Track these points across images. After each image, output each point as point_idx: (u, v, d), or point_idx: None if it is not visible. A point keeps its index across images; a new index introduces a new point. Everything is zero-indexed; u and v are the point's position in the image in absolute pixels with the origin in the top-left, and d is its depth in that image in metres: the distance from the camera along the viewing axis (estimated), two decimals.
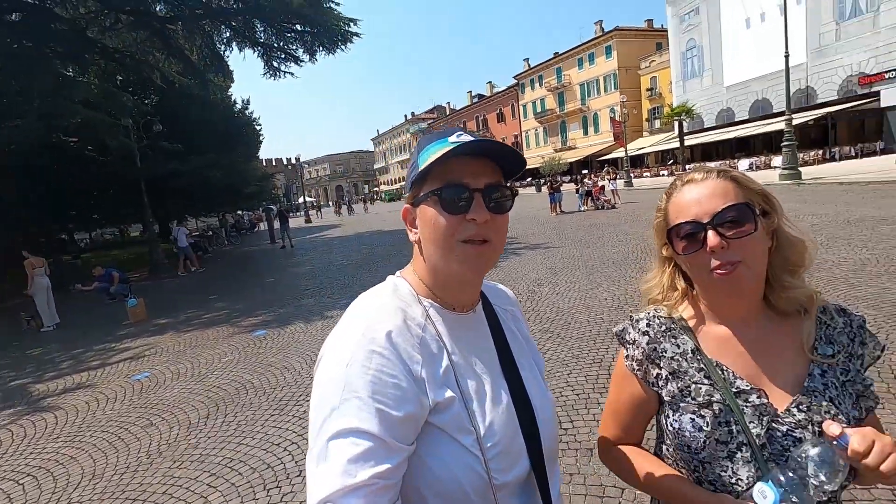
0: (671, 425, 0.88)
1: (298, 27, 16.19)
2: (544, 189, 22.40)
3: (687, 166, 31.32)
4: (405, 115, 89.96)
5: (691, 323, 0.92)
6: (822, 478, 0.67)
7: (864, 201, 11.24)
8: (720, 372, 0.85)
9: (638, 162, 41.75)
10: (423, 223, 0.76)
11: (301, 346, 5.71)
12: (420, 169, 0.75)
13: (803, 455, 0.70)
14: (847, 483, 0.73)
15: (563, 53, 51.68)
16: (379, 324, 0.71)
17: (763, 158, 28.62)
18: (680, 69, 38.56)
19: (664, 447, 0.94)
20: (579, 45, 49.35)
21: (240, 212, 41.84)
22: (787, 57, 18.03)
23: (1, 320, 10.37)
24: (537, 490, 0.79)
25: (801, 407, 0.80)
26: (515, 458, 0.75)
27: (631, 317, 0.99)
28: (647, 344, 0.93)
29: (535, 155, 55.10)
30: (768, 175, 22.09)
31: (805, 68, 28.29)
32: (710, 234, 0.81)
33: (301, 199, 57.36)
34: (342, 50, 16.82)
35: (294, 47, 17.32)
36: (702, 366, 0.87)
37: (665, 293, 0.96)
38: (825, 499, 0.70)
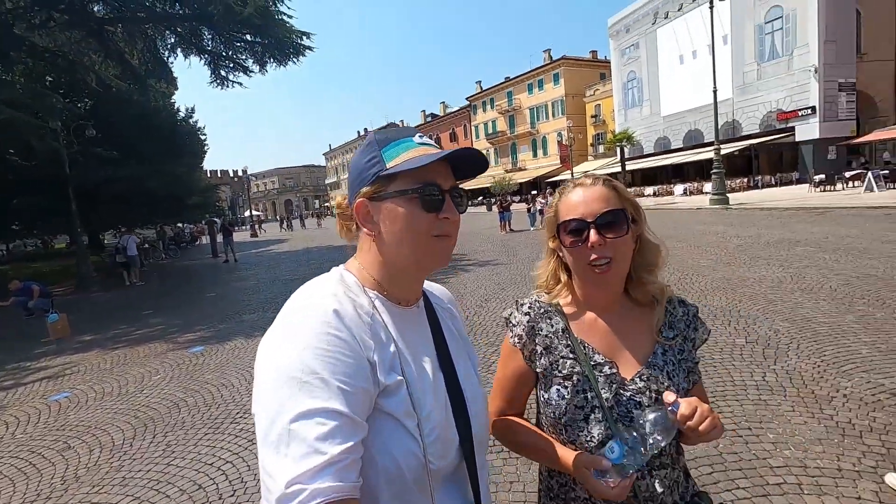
0: (542, 396, 1.04)
1: (248, 37, 15.84)
2: (495, 208, 22.87)
3: (628, 189, 32.94)
4: (358, 131, 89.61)
5: (566, 308, 1.07)
6: (658, 436, 0.83)
7: (782, 225, 12.30)
8: (583, 348, 1.01)
9: None
10: (392, 219, 0.77)
11: (241, 363, 5.48)
12: (398, 167, 0.76)
13: (644, 418, 0.86)
14: (675, 440, 0.91)
15: (514, 78, 53.55)
16: (331, 308, 0.71)
17: (696, 184, 30.67)
18: (621, 98, 40.92)
19: (541, 417, 1.07)
20: (529, 71, 51.34)
21: (180, 224, 39.78)
22: (714, 92, 19.61)
23: None
24: (468, 479, 0.82)
25: (643, 377, 0.97)
26: (449, 447, 0.78)
27: (517, 302, 1.12)
28: (528, 323, 1.06)
29: (487, 175, 56.22)
30: (700, 200, 23.71)
31: (731, 103, 30.82)
32: (592, 232, 0.95)
33: (248, 213, 55.36)
34: (294, 62, 16.61)
35: (243, 57, 16.91)
36: (569, 343, 1.02)
37: (548, 282, 1.10)
38: (657, 452, 0.86)
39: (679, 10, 31.85)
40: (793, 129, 27.96)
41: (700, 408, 0.84)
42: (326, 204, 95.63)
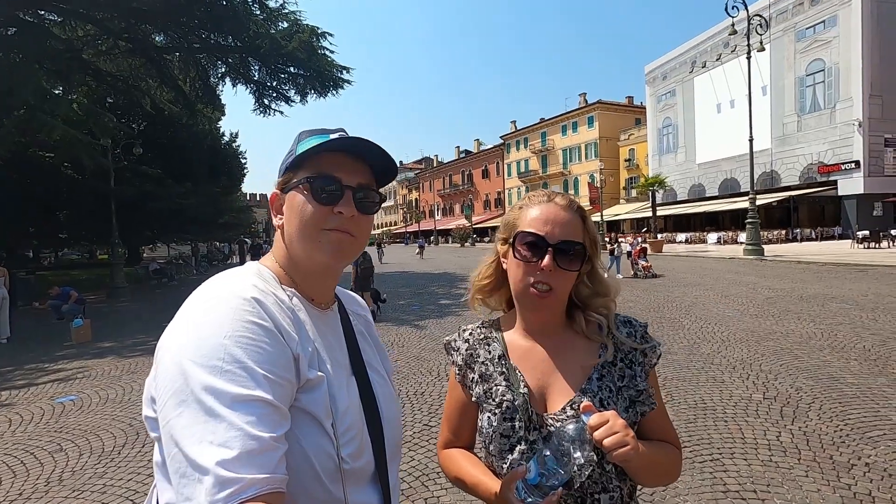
0: (478, 425, 0.98)
1: (292, 69, 16.70)
2: None
3: (658, 235, 32.35)
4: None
5: (507, 332, 1.02)
6: (576, 452, 0.75)
7: (818, 280, 11.71)
8: (517, 376, 0.95)
9: (614, 227, 43.02)
10: (291, 210, 0.77)
11: None
12: (296, 155, 0.77)
13: (562, 431, 0.78)
14: (594, 462, 0.79)
15: (549, 119, 54.28)
16: (251, 295, 0.68)
17: (730, 234, 29.83)
18: (656, 144, 40.78)
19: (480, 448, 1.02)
20: (564, 113, 51.98)
21: (217, 243, 41.14)
22: (750, 141, 19.28)
23: None
24: (379, 484, 0.79)
25: (573, 406, 0.90)
26: (362, 449, 0.76)
27: (460, 327, 1.07)
28: (466, 350, 1.02)
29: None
30: (734, 249, 22.98)
31: (770, 153, 30.22)
32: (548, 256, 0.89)
33: None
34: (333, 95, 17.35)
35: (286, 87, 17.77)
36: (504, 370, 0.97)
37: (482, 280, 1.03)
38: (578, 471, 0.76)
39: (717, 59, 31.90)
40: (835, 182, 27.08)
41: (612, 420, 0.77)
42: None
